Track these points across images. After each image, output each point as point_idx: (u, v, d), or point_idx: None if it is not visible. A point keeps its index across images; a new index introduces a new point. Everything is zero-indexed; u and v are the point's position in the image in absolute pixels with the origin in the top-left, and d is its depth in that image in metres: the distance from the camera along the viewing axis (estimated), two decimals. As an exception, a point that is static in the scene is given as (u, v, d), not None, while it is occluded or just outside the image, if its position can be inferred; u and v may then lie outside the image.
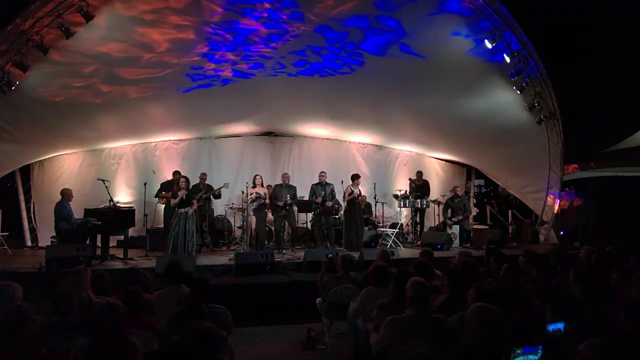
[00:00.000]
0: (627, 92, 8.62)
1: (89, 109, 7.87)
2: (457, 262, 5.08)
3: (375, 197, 9.97)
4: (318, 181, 9.15)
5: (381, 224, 10.21)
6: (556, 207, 9.44)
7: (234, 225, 9.92)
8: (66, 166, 10.03)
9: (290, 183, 9.11)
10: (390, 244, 9.08)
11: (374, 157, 11.80)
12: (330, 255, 5.48)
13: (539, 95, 8.02)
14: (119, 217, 8.00)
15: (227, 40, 6.74)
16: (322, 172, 9.25)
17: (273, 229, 9.24)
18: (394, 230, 9.51)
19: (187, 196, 7.69)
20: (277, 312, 6.02)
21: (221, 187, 9.09)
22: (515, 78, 7.57)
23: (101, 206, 8.45)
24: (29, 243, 9.56)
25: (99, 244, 7.67)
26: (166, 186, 9.00)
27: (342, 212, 9.37)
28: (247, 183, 8.95)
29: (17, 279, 3.48)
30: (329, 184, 9.14)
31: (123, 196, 10.01)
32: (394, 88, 8.31)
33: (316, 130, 11.11)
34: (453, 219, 9.69)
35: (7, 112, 7.07)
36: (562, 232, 10.09)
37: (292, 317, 5.84)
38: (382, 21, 6.46)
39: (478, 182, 12.04)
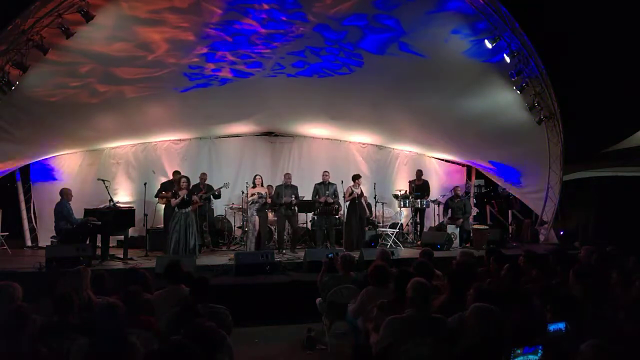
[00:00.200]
0: (627, 92, 8.61)
1: (87, 109, 7.86)
2: (459, 262, 5.08)
3: (375, 197, 9.97)
4: (321, 181, 9.15)
5: (381, 224, 10.21)
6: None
7: (234, 225, 9.92)
8: (66, 166, 10.03)
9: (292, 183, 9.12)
10: (390, 244, 9.09)
11: (374, 157, 11.79)
12: (330, 255, 5.49)
13: (539, 95, 8.02)
14: (119, 217, 8.00)
15: (226, 41, 6.74)
16: (326, 171, 9.25)
17: (274, 229, 9.23)
18: (394, 230, 9.51)
19: (187, 196, 7.69)
20: (277, 312, 6.01)
21: (221, 187, 9.09)
22: (515, 78, 7.57)
23: (101, 206, 8.45)
24: (29, 243, 9.55)
25: (99, 244, 7.67)
26: (166, 186, 8.99)
27: (341, 212, 9.37)
28: (247, 183, 8.95)
29: (17, 279, 3.48)
30: (332, 184, 9.14)
31: (123, 196, 10.00)
32: (394, 87, 8.31)
33: (316, 130, 11.11)
34: (453, 221, 9.68)
35: (7, 112, 7.07)
36: (562, 232, 10.09)
37: (292, 317, 5.84)
38: (381, 20, 6.45)
39: (478, 182, 12.03)
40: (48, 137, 8.77)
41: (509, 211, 11.24)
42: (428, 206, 10.34)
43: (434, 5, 6.25)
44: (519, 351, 2.53)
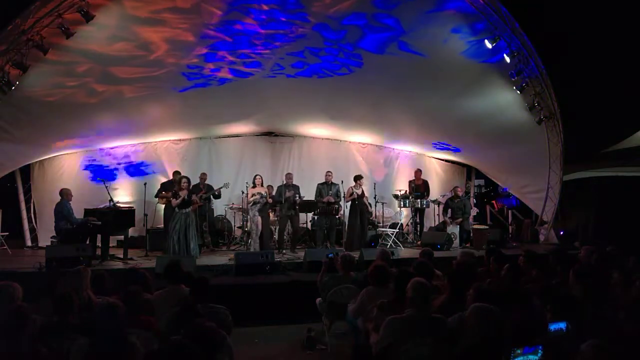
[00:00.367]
0: (627, 92, 8.61)
1: (86, 109, 7.84)
2: (459, 262, 5.08)
3: (375, 197, 9.97)
4: (324, 181, 9.16)
5: (381, 224, 10.21)
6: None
7: (234, 225, 9.92)
8: (66, 166, 10.03)
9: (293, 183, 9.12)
10: (390, 244, 9.09)
11: (374, 157, 11.80)
12: (330, 255, 5.48)
13: (539, 95, 8.02)
14: (119, 217, 8.00)
15: (226, 41, 6.73)
16: (329, 171, 9.26)
17: (274, 229, 9.23)
18: (394, 230, 9.51)
19: (188, 196, 7.69)
20: (277, 312, 6.01)
21: (221, 187, 9.10)
22: (515, 78, 7.57)
23: (101, 206, 8.45)
24: (29, 243, 9.56)
25: (99, 244, 7.67)
26: (166, 186, 9.00)
27: (341, 212, 9.37)
28: (247, 183, 8.95)
29: (17, 279, 3.48)
30: (335, 184, 9.14)
31: (123, 196, 10.00)
32: (394, 87, 8.30)
33: (316, 130, 11.11)
34: (453, 220, 9.68)
35: (7, 112, 7.06)
36: (562, 232, 10.09)
37: (292, 317, 5.84)
38: (380, 19, 6.44)
39: (478, 182, 12.03)
40: (48, 137, 8.77)
41: (509, 211, 11.23)
42: (428, 206, 10.33)
43: (434, 5, 6.23)
44: (519, 351, 2.53)
